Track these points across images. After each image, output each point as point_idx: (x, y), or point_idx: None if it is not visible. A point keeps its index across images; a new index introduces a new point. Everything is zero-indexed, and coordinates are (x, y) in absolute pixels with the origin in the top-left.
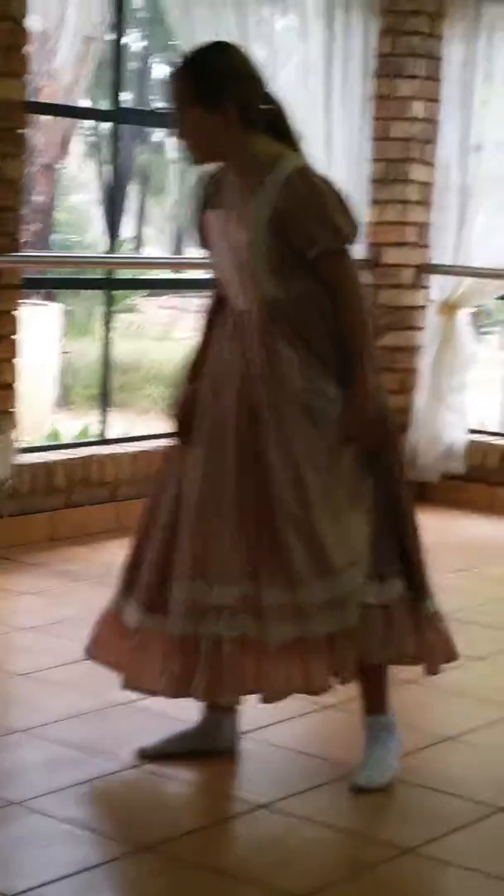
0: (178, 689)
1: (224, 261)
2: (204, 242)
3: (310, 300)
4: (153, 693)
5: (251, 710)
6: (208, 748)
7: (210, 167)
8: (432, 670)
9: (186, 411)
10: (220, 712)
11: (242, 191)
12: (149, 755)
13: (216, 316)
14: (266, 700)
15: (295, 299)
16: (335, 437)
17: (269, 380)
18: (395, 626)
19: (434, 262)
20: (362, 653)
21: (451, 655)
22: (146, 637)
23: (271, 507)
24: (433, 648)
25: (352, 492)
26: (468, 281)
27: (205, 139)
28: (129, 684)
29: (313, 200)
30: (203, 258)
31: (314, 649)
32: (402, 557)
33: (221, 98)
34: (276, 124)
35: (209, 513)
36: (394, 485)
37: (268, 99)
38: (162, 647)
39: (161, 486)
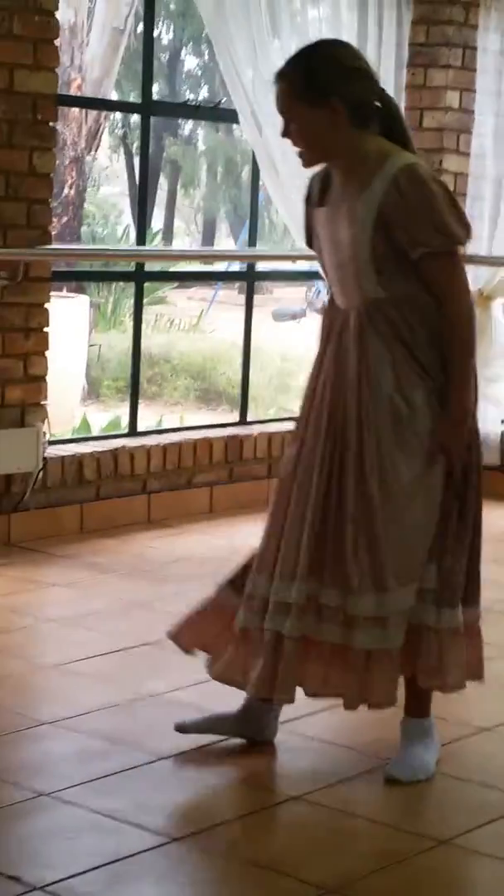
0: (230, 678)
1: (328, 259)
2: (310, 240)
3: (412, 302)
4: (205, 652)
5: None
6: (247, 736)
7: (319, 166)
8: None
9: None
10: (265, 702)
11: (350, 189)
12: (187, 730)
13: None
14: (307, 693)
15: (397, 300)
16: (424, 450)
17: (362, 382)
18: (445, 656)
19: (468, 252)
20: (405, 675)
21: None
22: (213, 600)
23: (342, 513)
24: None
25: (428, 509)
26: (503, 271)
27: (311, 137)
28: (172, 633)
29: (420, 200)
30: (234, 251)
31: (353, 663)
32: (468, 581)
33: (327, 94)
34: (388, 123)
35: (287, 510)
36: (472, 508)
37: (381, 97)
38: (214, 614)
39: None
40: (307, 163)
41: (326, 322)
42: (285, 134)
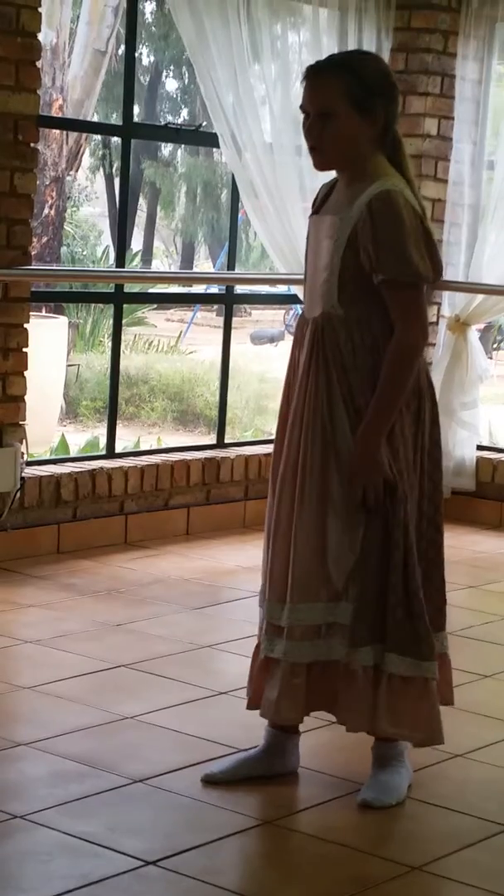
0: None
1: (308, 265)
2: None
3: (364, 325)
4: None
5: (254, 724)
6: (277, 772)
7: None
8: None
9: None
10: (286, 733)
11: (340, 202)
12: (218, 780)
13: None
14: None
15: (349, 320)
16: (344, 474)
17: (309, 396)
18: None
19: (445, 278)
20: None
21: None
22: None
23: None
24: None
25: (344, 536)
26: (479, 297)
27: (342, 141)
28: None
29: (386, 226)
30: (212, 273)
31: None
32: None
33: (376, 106)
34: (395, 146)
35: (269, 528)
36: (400, 544)
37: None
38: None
39: None
40: (321, 164)
41: (296, 331)
42: (311, 128)
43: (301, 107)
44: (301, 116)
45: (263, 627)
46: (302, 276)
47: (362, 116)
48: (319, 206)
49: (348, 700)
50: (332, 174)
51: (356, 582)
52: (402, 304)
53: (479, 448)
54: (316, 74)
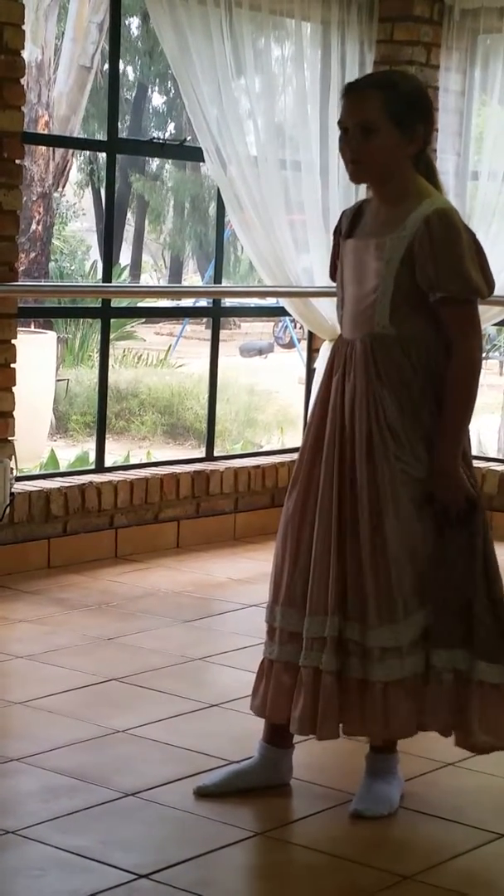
0: (270, 712)
1: (349, 290)
2: (334, 272)
3: (418, 342)
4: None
5: (246, 736)
6: (270, 784)
7: (355, 198)
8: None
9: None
10: (280, 748)
11: (383, 223)
12: (211, 792)
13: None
14: (345, 732)
15: (403, 339)
16: (419, 494)
17: (365, 414)
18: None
19: None
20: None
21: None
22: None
23: (358, 545)
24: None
25: (420, 550)
26: None
27: (382, 156)
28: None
29: (446, 243)
30: (198, 287)
31: (370, 697)
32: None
33: (416, 124)
34: (428, 168)
35: (309, 543)
36: (474, 558)
37: None
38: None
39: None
40: (359, 177)
41: (333, 354)
42: (350, 141)
43: (339, 122)
44: (289, 130)
45: (355, 651)
46: (289, 289)
47: (402, 132)
48: (350, 230)
49: (433, 704)
50: (318, 197)
51: (437, 589)
52: (460, 320)
53: None
54: (356, 90)
